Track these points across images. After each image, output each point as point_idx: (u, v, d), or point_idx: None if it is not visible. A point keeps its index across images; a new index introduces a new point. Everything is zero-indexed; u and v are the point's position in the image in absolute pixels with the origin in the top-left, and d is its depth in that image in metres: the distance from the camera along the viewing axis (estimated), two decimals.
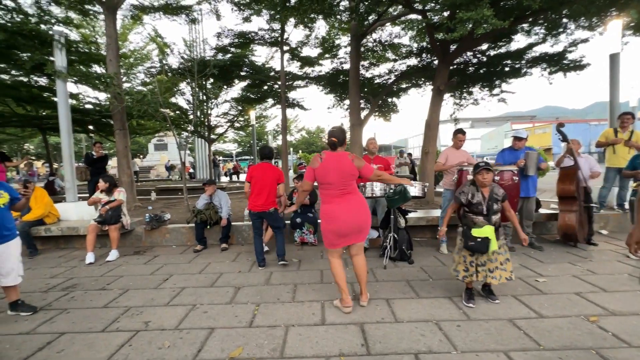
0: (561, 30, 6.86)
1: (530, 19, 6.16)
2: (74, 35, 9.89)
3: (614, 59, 5.73)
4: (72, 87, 15.27)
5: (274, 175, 3.91)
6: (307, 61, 10.50)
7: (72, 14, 8.68)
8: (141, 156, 36.48)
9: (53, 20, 7.59)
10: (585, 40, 7.10)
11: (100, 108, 11.61)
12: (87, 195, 7.06)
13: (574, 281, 3.33)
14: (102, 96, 11.41)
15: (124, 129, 7.38)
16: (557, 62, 7.45)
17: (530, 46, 7.60)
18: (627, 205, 5.03)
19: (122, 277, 3.84)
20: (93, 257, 4.44)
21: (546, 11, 5.35)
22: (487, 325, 2.51)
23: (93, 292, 3.43)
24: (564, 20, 6.38)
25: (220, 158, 28.52)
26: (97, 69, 10.57)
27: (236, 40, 9.79)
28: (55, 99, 7.41)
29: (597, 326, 2.46)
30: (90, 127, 13.23)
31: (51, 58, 6.55)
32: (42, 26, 7.56)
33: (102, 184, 4.74)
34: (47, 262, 4.54)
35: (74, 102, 11.73)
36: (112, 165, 19.06)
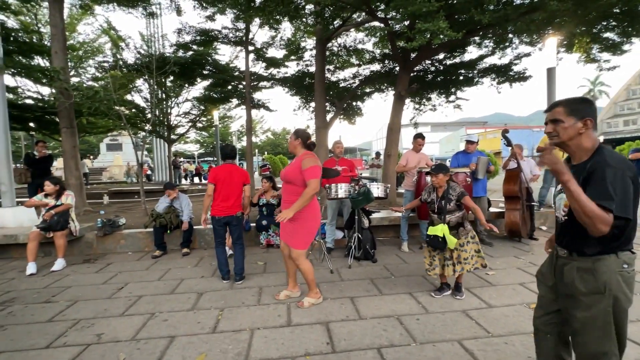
0: (507, 44, 7.54)
1: (481, 33, 6.69)
2: (11, 22, 8.94)
3: (550, 72, 6.37)
4: (9, 80, 13.76)
5: (240, 178, 3.67)
6: (273, 62, 10.42)
7: None
8: (91, 157, 33.72)
9: None
10: (527, 55, 7.85)
11: (44, 104, 10.56)
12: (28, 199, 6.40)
13: (518, 273, 3.67)
14: (46, 91, 10.38)
15: (71, 127, 6.79)
16: (504, 73, 8.15)
17: (481, 57, 8.23)
18: None
19: (70, 288, 3.54)
20: (35, 267, 4.04)
21: (494, 26, 5.84)
22: (444, 317, 2.68)
23: (35, 305, 3.13)
24: (510, 35, 7.02)
25: (182, 159, 27.15)
26: (40, 61, 9.64)
27: (198, 37, 9.45)
28: None
29: None
30: (32, 124, 11.98)
31: None
32: None
33: (50, 188, 4.30)
34: None
35: (12, 96, 10.57)
36: (57, 167, 17.41)
